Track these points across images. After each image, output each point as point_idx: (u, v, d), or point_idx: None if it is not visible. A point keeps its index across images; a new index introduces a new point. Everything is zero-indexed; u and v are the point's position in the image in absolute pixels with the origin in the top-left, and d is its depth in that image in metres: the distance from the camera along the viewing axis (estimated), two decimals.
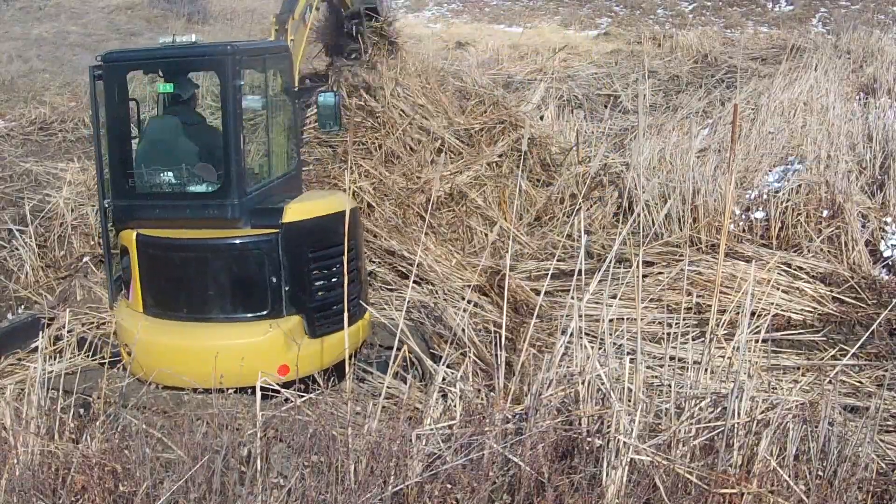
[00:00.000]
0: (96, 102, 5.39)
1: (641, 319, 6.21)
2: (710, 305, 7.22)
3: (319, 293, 5.38)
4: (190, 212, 5.25)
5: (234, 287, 5.31)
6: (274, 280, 5.24)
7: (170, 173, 5.42)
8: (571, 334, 4.31)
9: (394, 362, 4.55)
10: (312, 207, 5.45)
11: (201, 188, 5.37)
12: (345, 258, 5.04)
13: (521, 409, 4.12)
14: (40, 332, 5.30)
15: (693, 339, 6.39)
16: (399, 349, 4.60)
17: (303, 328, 5.31)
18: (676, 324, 6.86)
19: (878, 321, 6.57)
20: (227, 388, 4.76)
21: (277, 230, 5.21)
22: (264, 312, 5.26)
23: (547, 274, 7.89)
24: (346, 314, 4.68)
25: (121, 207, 5.44)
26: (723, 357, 6.12)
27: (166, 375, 4.83)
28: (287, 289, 5.24)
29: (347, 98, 8.79)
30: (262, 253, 5.23)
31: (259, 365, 4.66)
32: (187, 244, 5.32)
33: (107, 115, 5.36)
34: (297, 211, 5.31)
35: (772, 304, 6.59)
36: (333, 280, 5.42)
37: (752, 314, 4.74)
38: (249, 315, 5.29)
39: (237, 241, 5.25)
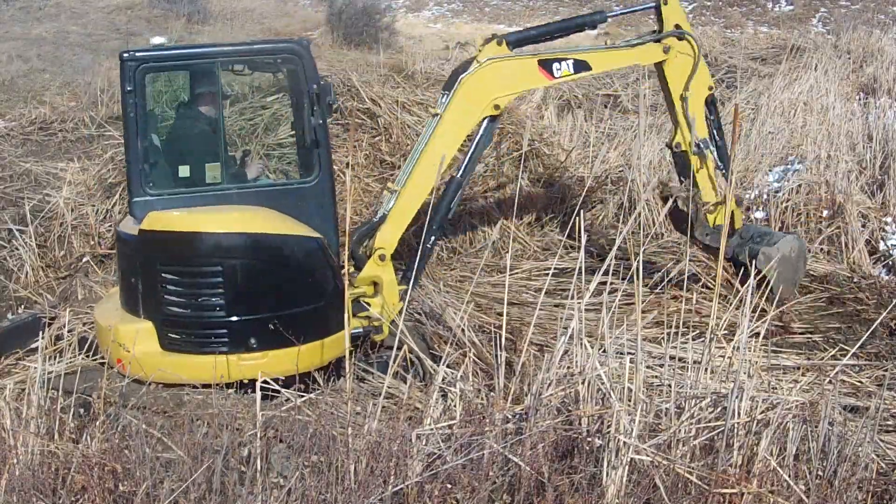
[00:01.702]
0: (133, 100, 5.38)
1: (642, 319, 6.19)
2: (710, 305, 7.23)
3: (170, 307, 5.24)
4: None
5: (121, 277, 5.66)
6: (132, 280, 5.38)
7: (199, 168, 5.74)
8: (571, 335, 4.31)
9: (394, 362, 4.55)
10: (178, 221, 5.26)
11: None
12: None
13: (521, 409, 4.12)
14: (41, 332, 5.31)
15: (693, 340, 6.40)
16: (399, 349, 4.61)
17: (155, 337, 5.27)
18: (676, 325, 6.88)
19: (878, 321, 6.57)
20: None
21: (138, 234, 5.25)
22: (127, 306, 5.45)
23: (547, 274, 7.92)
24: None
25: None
26: (722, 357, 6.13)
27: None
28: (142, 292, 5.30)
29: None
30: (130, 252, 5.43)
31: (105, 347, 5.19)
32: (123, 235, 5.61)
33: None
34: (156, 220, 5.21)
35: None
36: (197, 300, 5.25)
37: (754, 310, 4.73)
38: (122, 305, 5.54)
39: (125, 235, 5.46)
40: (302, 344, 5.06)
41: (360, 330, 5.73)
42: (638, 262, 4.36)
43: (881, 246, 8.24)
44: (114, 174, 9.30)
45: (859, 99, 11.77)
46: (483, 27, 22.99)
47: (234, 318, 5.20)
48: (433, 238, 6.13)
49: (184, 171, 5.63)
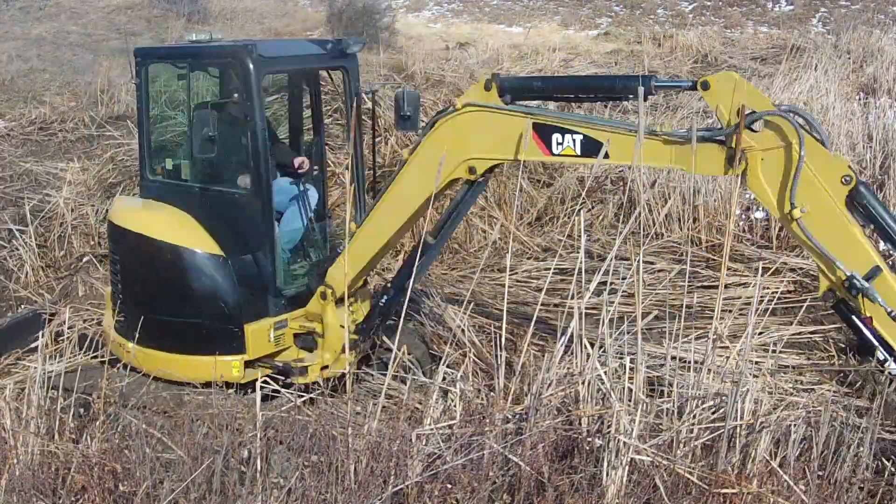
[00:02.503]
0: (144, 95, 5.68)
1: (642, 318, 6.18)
2: (712, 306, 7.24)
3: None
4: None
5: None
6: None
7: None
8: (571, 334, 4.32)
9: (393, 363, 4.55)
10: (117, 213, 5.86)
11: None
12: None
13: (521, 409, 4.12)
14: (41, 328, 5.31)
15: (695, 339, 6.40)
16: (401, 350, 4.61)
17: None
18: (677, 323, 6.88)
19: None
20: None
21: None
22: None
23: (547, 273, 7.92)
24: None
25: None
26: (723, 356, 6.13)
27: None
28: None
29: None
30: None
31: None
32: None
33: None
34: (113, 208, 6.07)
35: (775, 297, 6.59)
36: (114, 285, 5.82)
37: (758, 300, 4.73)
38: None
39: None
40: (168, 351, 5.31)
41: (280, 365, 5.43)
42: (639, 260, 4.35)
43: (881, 246, 8.23)
44: (114, 174, 9.31)
45: (859, 99, 11.78)
46: (483, 27, 23.00)
47: (122, 306, 5.57)
48: (387, 299, 5.38)
49: (168, 163, 5.82)
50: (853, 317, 4.18)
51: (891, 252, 4.72)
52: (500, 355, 4.58)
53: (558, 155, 4.47)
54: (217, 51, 5.36)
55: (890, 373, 4.26)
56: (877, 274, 4.10)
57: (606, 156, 4.33)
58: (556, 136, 4.43)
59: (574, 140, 4.40)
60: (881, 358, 4.14)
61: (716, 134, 4.21)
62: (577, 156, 4.45)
